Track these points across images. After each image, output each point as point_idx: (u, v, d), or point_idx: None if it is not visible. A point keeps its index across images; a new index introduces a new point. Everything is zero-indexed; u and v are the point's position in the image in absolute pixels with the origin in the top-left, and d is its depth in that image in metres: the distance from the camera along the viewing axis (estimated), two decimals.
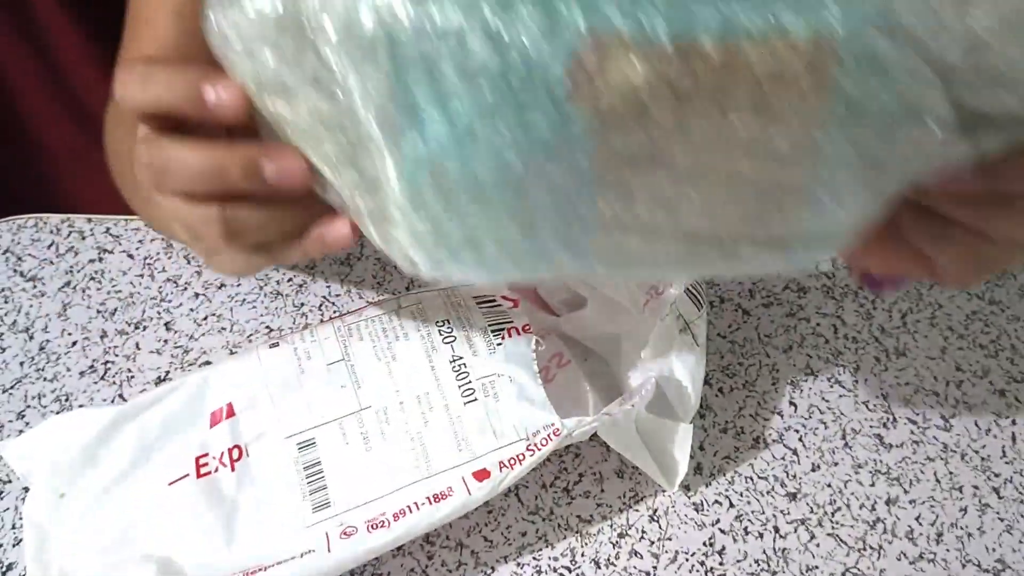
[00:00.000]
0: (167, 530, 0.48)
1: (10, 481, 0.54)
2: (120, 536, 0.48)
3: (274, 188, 0.38)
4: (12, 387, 0.58)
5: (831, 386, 0.59)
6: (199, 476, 0.49)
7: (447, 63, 0.31)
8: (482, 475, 0.48)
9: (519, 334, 0.52)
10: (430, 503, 0.47)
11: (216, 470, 0.49)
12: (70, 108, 0.98)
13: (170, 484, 0.49)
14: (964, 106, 0.31)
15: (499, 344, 0.51)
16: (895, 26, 0.30)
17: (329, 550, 0.46)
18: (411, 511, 0.47)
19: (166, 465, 0.50)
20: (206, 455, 0.50)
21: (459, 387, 0.50)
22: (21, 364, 0.60)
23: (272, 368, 0.52)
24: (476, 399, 0.50)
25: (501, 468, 0.48)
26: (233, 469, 0.49)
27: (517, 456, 0.48)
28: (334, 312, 0.62)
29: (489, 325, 0.52)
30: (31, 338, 0.61)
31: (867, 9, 0.30)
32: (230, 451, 0.50)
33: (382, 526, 0.47)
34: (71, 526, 0.49)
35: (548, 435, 0.48)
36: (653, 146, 0.32)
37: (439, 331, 0.52)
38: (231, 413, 0.51)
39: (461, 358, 0.51)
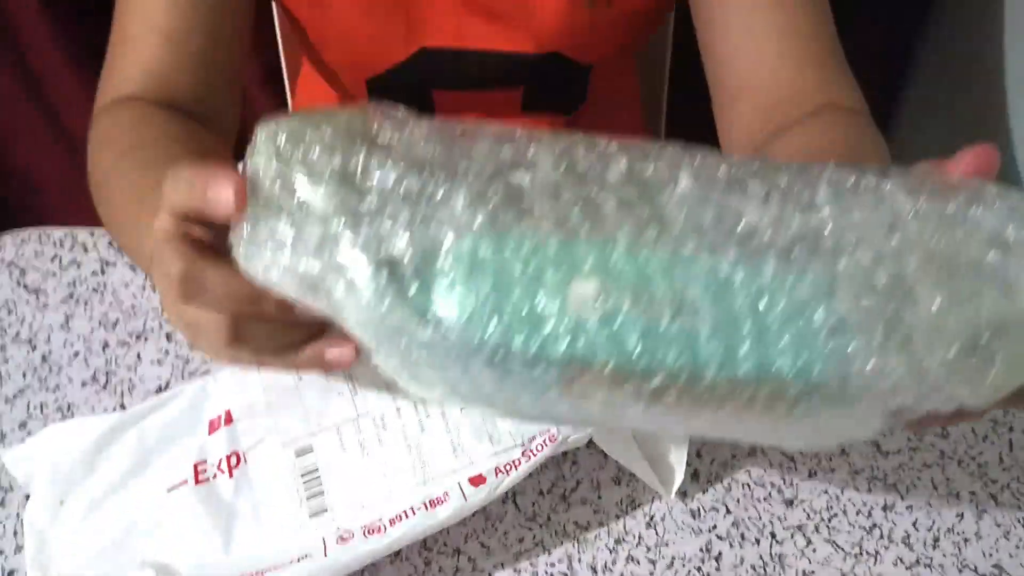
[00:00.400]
0: (165, 536, 0.49)
1: (12, 489, 0.55)
2: (118, 541, 0.49)
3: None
4: (14, 397, 0.59)
5: None
6: (197, 482, 0.50)
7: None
8: (478, 480, 0.48)
9: None
10: (426, 508, 0.47)
11: (214, 476, 0.50)
12: (50, 125, 0.99)
13: (169, 490, 0.50)
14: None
15: None
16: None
17: (326, 555, 0.46)
18: (407, 516, 0.47)
19: (165, 471, 0.50)
20: (204, 462, 0.50)
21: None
22: (24, 375, 0.60)
23: (270, 377, 0.52)
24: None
25: (497, 473, 0.48)
26: (231, 475, 0.50)
27: (513, 462, 0.48)
28: None
29: None
30: (34, 349, 0.61)
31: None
32: (228, 458, 0.50)
33: (378, 531, 0.47)
34: (70, 532, 0.49)
35: (544, 440, 0.49)
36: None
37: None
38: (229, 420, 0.51)
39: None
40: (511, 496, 0.54)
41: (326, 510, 0.48)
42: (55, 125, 1.01)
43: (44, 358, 0.61)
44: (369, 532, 0.47)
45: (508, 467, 0.48)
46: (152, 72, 0.58)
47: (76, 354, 0.61)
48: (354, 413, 0.51)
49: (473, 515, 0.53)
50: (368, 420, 0.50)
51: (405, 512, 0.47)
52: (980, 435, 0.58)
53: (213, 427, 0.51)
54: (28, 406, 0.58)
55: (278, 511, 0.49)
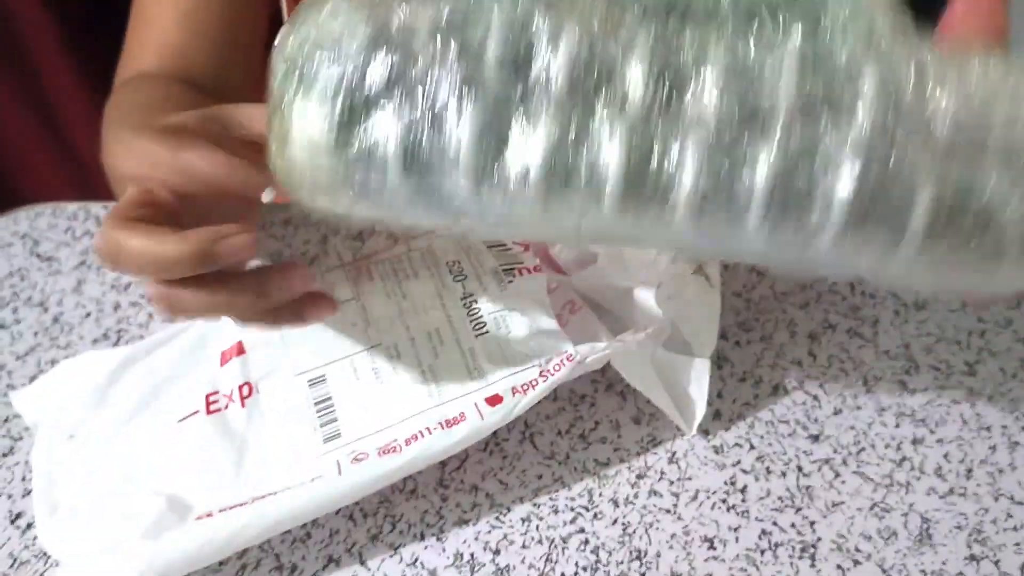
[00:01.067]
0: (176, 466, 0.48)
1: (21, 438, 0.54)
2: (130, 474, 0.48)
3: None
4: (25, 355, 0.58)
5: (851, 337, 0.58)
6: (209, 413, 0.49)
7: None
8: (494, 400, 0.47)
9: (530, 273, 0.52)
10: (442, 428, 0.46)
11: (226, 407, 0.49)
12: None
13: (180, 421, 0.49)
14: None
15: (511, 282, 0.51)
16: None
17: (340, 474, 0.45)
18: (423, 436, 0.46)
19: (176, 403, 0.49)
20: (216, 392, 0.50)
21: (470, 322, 0.50)
22: (35, 334, 0.60)
23: None
24: (488, 331, 0.49)
25: (514, 393, 0.47)
26: (243, 405, 0.49)
27: (530, 382, 0.47)
28: None
29: (500, 265, 0.52)
30: (46, 311, 0.61)
31: None
32: (240, 388, 0.50)
33: (394, 451, 0.46)
34: (80, 465, 0.48)
35: (561, 360, 0.48)
36: None
37: (450, 271, 0.52)
38: (241, 351, 0.50)
39: (472, 295, 0.51)
40: (529, 437, 0.53)
41: (339, 435, 0.47)
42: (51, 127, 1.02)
43: (56, 319, 0.61)
44: (384, 452, 0.46)
45: (525, 387, 0.47)
46: (169, 47, 0.59)
47: (88, 315, 0.61)
48: (367, 343, 0.50)
49: (491, 454, 0.52)
50: (381, 350, 0.50)
51: (420, 432, 0.46)
52: (1009, 373, 0.56)
53: (225, 358, 0.50)
54: (39, 362, 0.58)
55: (290, 438, 0.47)
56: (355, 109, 0.32)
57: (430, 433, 0.46)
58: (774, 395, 0.55)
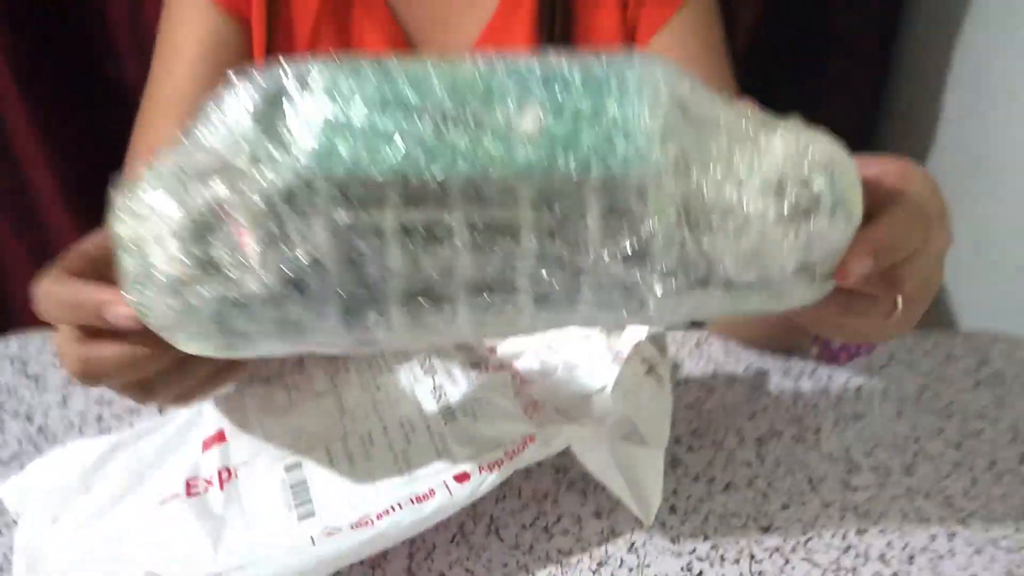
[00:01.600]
0: (156, 546, 0.49)
1: (7, 530, 0.55)
2: (110, 554, 0.49)
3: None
4: (9, 460, 0.61)
5: (795, 443, 0.62)
6: (189, 495, 0.51)
7: None
8: (462, 477, 0.50)
9: (497, 369, 0.56)
10: (413, 503, 0.49)
11: (205, 490, 0.51)
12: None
13: (161, 503, 0.51)
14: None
15: (477, 376, 0.55)
16: None
17: (313, 545, 0.47)
18: (394, 511, 0.49)
19: (158, 486, 0.52)
20: (197, 477, 0.52)
21: (439, 411, 0.54)
22: (19, 442, 0.62)
23: (262, 398, 0.55)
24: (456, 419, 0.53)
25: (481, 471, 0.50)
26: (222, 488, 0.51)
27: (497, 461, 0.50)
28: None
29: (469, 360, 0.56)
30: (31, 423, 0.64)
31: None
32: (219, 472, 0.52)
33: (366, 525, 0.48)
34: (62, 547, 0.50)
35: (524, 441, 0.51)
36: None
37: (420, 366, 0.56)
38: (222, 439, 0.53)
39: (442, 387, 0.55)
40: (494, 529, 0.56)
41: (314, 514, 0.49)
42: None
43: (41, 429, 0.63)
44: (357, 526, 0.48)
45: (492, 466, 0.50)
46: (184, 98, 0.67)
47: (71, 425, 0.63)
48: (342, 431, 0.53)
49: (457, 544, 0.54)
50: (355, 437, 0.53)
51: (392, 507, 0.49)
52: (943, 474, 0.60)
53: (206, 445, 0.53)
54: (22, 465, 0.60)
55: (267, 518, 0.50)
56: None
57: (401, 508, 0.49)
58: (726, 491, 0.58)
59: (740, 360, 0.71)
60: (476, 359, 0.56)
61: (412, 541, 0.54)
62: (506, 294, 0.39)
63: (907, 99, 1.06)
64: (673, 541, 0.55)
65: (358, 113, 0.36)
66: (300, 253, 0.36)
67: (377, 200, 0.36)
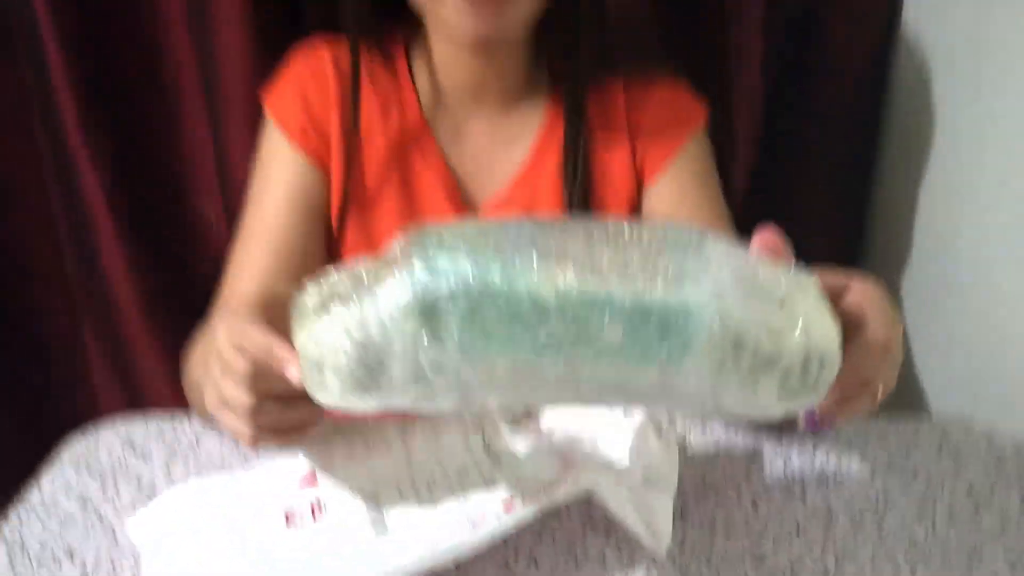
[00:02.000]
0: (258, 568, 0.61)
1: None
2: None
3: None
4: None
5: (785, 498, 0.74)
6: (288, 526, 0.63)
7: None
8: (509, 507, 0.62)
9: (536, 429, 0.69)
10: (470, 526, 0.61)
11: (301, 519, 0.64)
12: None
13: (264, 533, 0.63)
14: None
15: (518, 434, 0.68)
16: None
17: (388, 561, 0.59)
18: (454, 534, 0.61)
19: (261, 518, 0.64)
20: (293, 510, 0.64)
21: (489, 459, 0.66)
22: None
23: (345, 447, 0.68)
24: (502, 465, 0.66)
25: (524, 503, 0.62)
26: (315, 519, 0.64)
27: (536, 496, 0.63)
28: None
29: (510, 423, 0.69)
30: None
31: None
32: (312, 506, 0.64)
33: (431, 545, 0.60)
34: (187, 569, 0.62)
35: (558, 485, 0.64)
36: None
37: (471, 426, 0.69)
38: (314, 481, 0.66)
39: (489, 444, 0.68)
40: (533, 560, 0.67)
41: (387, 530, 0.62)
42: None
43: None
44: (420, 540, 0.60)
45: (533, 500, 0.62)
46: (274, 236, 0.84)
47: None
48: (410, 474, 0.66)
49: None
50: (422, 478, 0.65)
51: (452, 531, 0.61)
52: (910, 520, 0.72)
53: (304, 483, 0.66)
54: None
55: (348, 533, 0.62)
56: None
57: (460, 531, 0.61)
58: (726, 535, 0.70)
59: (738, 430, 0.83)
60: (518, 418, 0.69)
61: (468, 572, 0.65)
62: None
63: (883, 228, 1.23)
64: (682, 572, 0.66)
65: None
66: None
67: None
